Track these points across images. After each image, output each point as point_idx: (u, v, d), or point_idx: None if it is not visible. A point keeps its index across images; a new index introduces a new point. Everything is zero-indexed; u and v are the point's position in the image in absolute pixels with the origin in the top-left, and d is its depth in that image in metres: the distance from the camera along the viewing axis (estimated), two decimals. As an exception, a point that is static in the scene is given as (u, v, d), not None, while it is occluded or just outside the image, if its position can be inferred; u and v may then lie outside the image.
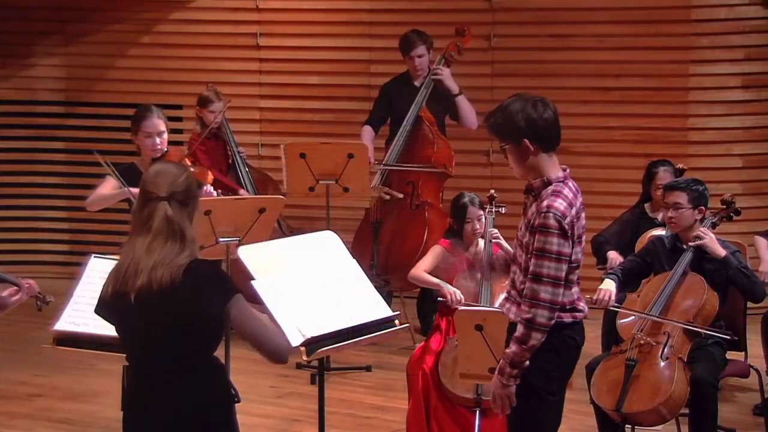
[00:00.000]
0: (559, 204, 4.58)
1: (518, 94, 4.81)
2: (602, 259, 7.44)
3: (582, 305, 4.78)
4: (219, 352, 6.22)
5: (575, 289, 4.74)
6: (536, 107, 4.67)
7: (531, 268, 4.60)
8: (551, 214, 4.55)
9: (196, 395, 3.99)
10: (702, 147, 9.48)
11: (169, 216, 3.96)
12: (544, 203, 4.59)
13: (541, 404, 4.72)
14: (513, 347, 4.63)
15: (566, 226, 4.56)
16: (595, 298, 6.07)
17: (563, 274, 4.58)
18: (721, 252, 6.13)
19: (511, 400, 4.66)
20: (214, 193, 6.43)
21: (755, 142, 9.48)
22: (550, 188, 4.65)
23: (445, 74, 8.76)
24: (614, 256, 7.28)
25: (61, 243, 10.67)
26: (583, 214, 4.73)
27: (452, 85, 8.76)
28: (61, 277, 8.44)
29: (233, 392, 4.10)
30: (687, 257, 6.18)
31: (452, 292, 6.34)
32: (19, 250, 10.58)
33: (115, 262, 4.12)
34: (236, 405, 4.14)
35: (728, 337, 6.06)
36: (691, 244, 6.19)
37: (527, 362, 4.62)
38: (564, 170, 4.74)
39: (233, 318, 3.96)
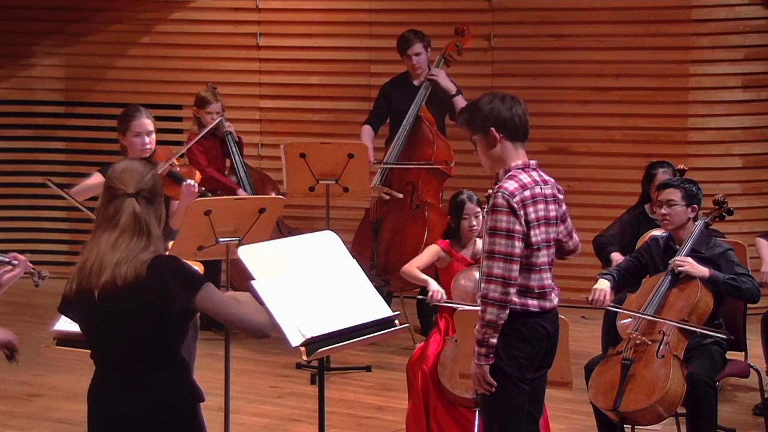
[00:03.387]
0: (509, 185, 4.77)
1: (490, 92, 5.02)
2: (606, 261, 7.42)
3: (553, 296, 4.91)
4: (219, 352, 6.24)
5: (546, 275, 4.87)
6: (504, 100, 4.89)
7: (486, 246, 4.78)
8: (500, 193, 4.75)
9: (162, 393, 3.97)
10: (702, 147, 9.48)
11: (137, 212, 3.96)
12: (497, 185, 4.81)
13: (512, 390, 4.84)
14: (476, 326, 4.79)
15: (514, 205, 4.73)
16: (590, 298, 6.12)
17: (516, 251, 4.73)
18: (705, 272, 6.10)
19: (487, 379, 4.79)
20: (196, 188, 6.39)
21: (755, 142, 9.49)
22: (508, 174, 4.84)
23: (441, 75, 8.77)
24: (618, 258, 7.26)
25: (61, 243, 10.68)
26: (550, 206, 4.86)
27: (449, 86, 8.76)
28: (61, 277, 8.42)
29: (198, 391, 4.09)
30: (679, 257, 6.18)
31: (435, 290, 6.34)
32: (19, 250, 10.53)
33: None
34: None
35: (723, 336, 6.07)
36: (675, 270, 6.16)
37: (493, 340, 4.74)
38: (531, 161, 4.88)
39: (204, 309, 3.92)
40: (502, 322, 4.74)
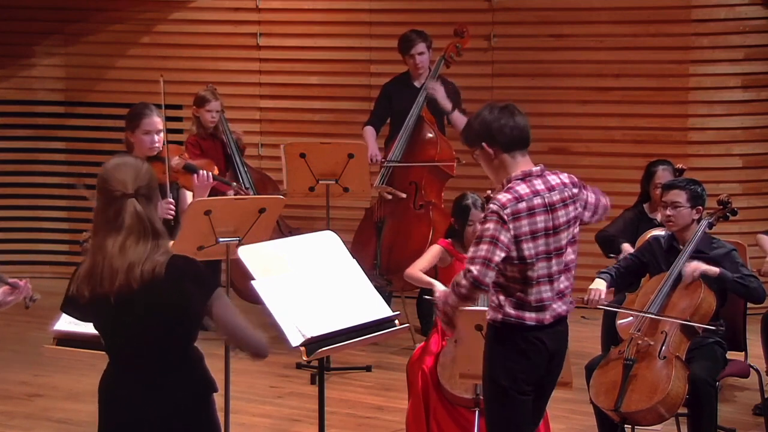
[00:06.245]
0: (503, 196, 4.76)
1: (489, 103, 4.99)
2: (616, 250, 7.32)
3: (554, 307, 4.80)
4: (219, 352, 6.24)
5: (545, 288, 4.78)
6: (492, 111, 4.85)
7: (469, 252, 4.79)
8: (491, 204, 4.76)
9: (176, 390, 3.97)
10: (702, 147, 9.48)
11: (139, 212, 3.89)
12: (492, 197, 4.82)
13: (513, 403, 4.80)
14: (448, 293, 4.86)
15: (504, 215, 4.69)
16: (585, 298, 6.09)
17: (496, 258, 4.68)
18: (715, 271, 6.09)
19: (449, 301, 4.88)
20: (211, 179, 6.37)
21: (755, 142, 9.49)
22: (507, 185, 4.82)
23: (439, 93, 8.71)
24: (628, 249, 7.21)
25: (61, 243, 10.66)
26: (559, 212, 4.78)
27: (445, 104, 8.73)
28: (61, 277, 8.42)
29: (210, 382, 4.09)
30: (684, 258, 6.17)
31: (442, 292, 6.31)
32: (19, 250, 10.57)
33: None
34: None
35: (720, 329, 6.03)
36: (690, 275, 6.13)
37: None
38: (534, 168, 4.83)
39: (215, 314, 3.92)
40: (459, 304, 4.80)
